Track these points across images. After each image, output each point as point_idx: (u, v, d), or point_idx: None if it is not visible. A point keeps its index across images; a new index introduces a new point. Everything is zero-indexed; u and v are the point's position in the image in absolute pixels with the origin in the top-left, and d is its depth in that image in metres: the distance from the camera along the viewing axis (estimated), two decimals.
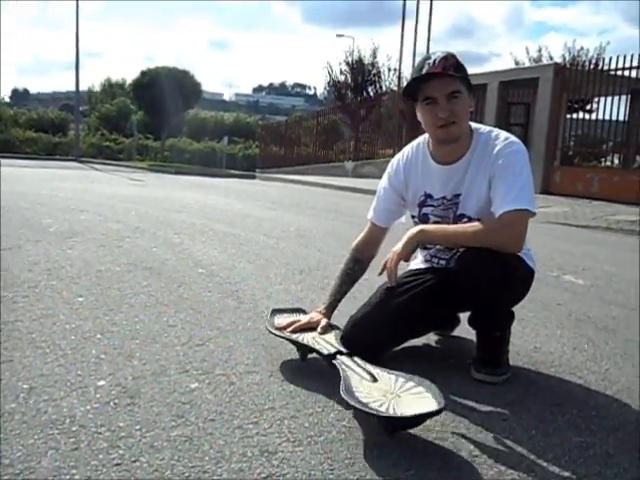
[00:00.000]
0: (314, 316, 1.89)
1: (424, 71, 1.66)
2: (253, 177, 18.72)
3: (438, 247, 1.91)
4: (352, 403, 1.38)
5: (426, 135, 1.86)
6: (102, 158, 25.88)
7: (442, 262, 1.93)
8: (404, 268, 1.98)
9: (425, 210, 1.88)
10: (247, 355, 1.91)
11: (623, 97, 10.86)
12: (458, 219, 1.79)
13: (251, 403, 1.56)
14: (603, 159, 12.70)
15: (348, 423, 1.48)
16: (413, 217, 1.94)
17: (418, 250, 2.04)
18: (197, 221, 5.22)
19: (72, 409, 1.46)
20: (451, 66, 1.65)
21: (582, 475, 1.30)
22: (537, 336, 2.30)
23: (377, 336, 1.79)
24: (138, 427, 1.39)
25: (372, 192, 8.64)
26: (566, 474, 1.30)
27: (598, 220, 7.67)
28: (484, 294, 1.68)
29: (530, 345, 2.18)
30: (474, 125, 1.80)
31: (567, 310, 2.77)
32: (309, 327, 1.85)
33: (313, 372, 1.79)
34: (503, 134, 1.76)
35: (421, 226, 1.77)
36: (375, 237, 1.97)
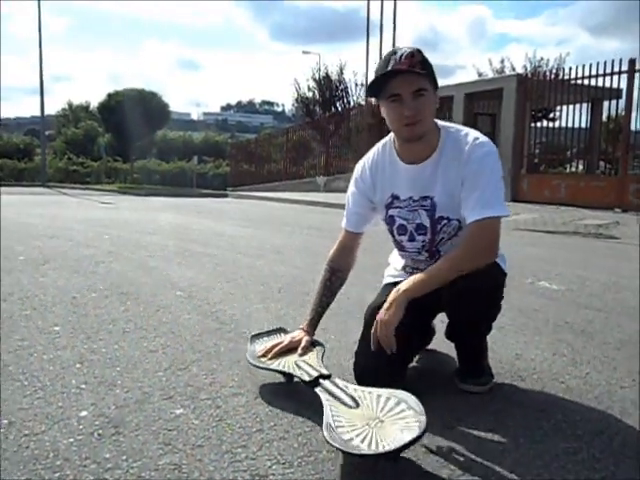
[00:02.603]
0: (295, 335, 1.87)
1: (390, 67, 1.61)
2: (225, 195, 18.63)
3: (417, 258, 1.87)
4: (335, 444, 1.31)
5: (392, 135, 1.82)
6: (70, 182, 25.52)
7: None
8: (378, 282, 1.98)
9: (391, 212, 1.84)
10: (231, 377, 1.89)
11: (584, 105, 11.16)
12: (437, 222, 1.77)
13: (238, 426, 1.55)
14: (568, 165, 13.00)
15: None
16: (382, 220, 1.91)
17: (394, 255, 2.03)
18: (171, 242, 5.17)
19: (55, 442, 1.42)
20: (417, 63, 1.61)
21: None
22: (517, 343, 2.33)
23: (387, 364, 1.68)
24: (124, 457, 1.37)
25: (344, 206, 8.61)
26: None
27: (566, 225, 7.82)
28: (472, 316, 1.72)
29: (511, 353, 2.20)
30: (441, 123, 1.77)
31: (544, 316, 2.81)
32: (290, 348, 1.83)
33: (299, 392, 1.77)
34: (472, 133, 1.73)
35: (402, 286, 1.63)
36: (349, 244, 1.93)
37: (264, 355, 1.84)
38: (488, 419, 1.62)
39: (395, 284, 1.92)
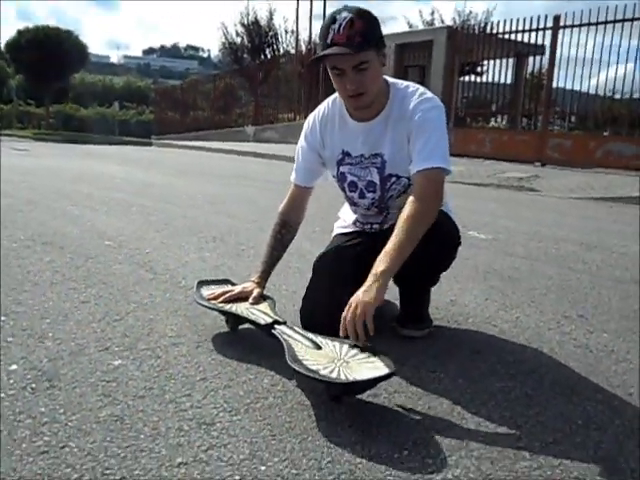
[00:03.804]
0: (247, 286, 1.83)
1: (329, 39, 1.54)
2: (149, 144, 18.00)
3: (366, 213, 1.87)
4: (301, 371, 1.34)
5: None
6: None
7: (375, 227, 1.88)
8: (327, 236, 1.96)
9: (342, 169, 1.82)
10: (170, 327, 1.84)
11: (510, 60, 11.40)
12: (386, 180, 1.76)
13: (181, 376, 1.51)
14: (492, 119, 13.35)
15: (283, 387, 1.47)
16: (333, 177, 1.89)
17: (345, 210, 2.02)
18: (96, 191, 4.94)
19: None
20: (357, 33, 1.51)
21: (508, 417, 1.38)
22: (451, 290, 2.40)
23: (337, 310, 1.57)
24: (62, 411, 1.31)
25: (275, 157, 8.67)
26: (495, 417, 1.37)
27: (491, 178, 8.09)
28: (428, 265, 1.74)
29: (446, 299, 2.27)
30: (390, 80, 1.74)
31: (474, 264, 2.91)
32: (241, 297, 1.79)
33: (242, 340, 1.76)
34: (420, 90, 1.71)
35: (379, 268, 1.47)
36: (299, 198, 1.90)
37: (214, 299, 1.79)
38: (429, 362, 1.67)
39: (345, 235, 1.92)
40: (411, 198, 1.58)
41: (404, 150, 1.70)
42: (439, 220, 1.62)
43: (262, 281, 1.85)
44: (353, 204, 1.91)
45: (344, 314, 1.44)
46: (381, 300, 1.44)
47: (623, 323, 2.11)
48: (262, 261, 1.87)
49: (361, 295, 1.44)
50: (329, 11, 1.77)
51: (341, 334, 1.44)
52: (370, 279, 1.46)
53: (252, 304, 1.76)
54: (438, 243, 1.67)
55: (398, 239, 1.51)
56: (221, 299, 1.78)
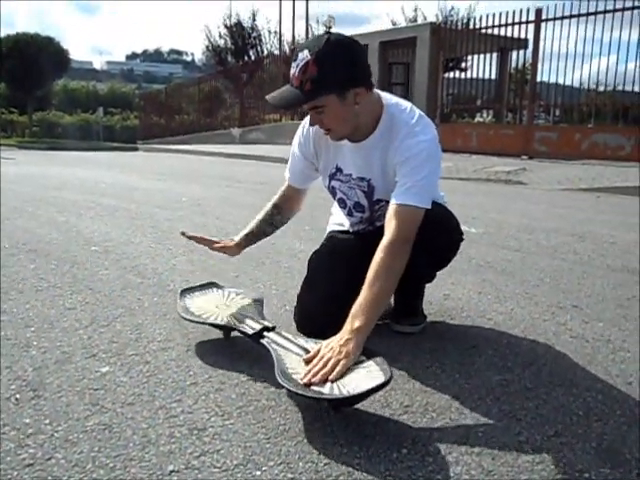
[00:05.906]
0: (227, 242, 1.84)
1: (290, 74, 1.48)
2: (135, 149, 17.89)
3: (358, 220, 1.82)
4: (292, 389, 1.27)
5: None
6: None
7: (365, 229, 1.84)
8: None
9: (334, 183, 1.77)
10: (159, 331, 1.80)
11: (494, 55, 11.41)
12: (375, 204, 1.73)
13: (171, 381, 1.47)
14: (478, 114, 13.37)
15: (276, 390, 1.42)
16: (325, 187, 1.84)
17: (336, 210, 1.97)
18: (81, 197, 4.88)
19: None
20: (308, 80, 1.42)
21: (508, 411, 1.34)
22: (444, 284, 2.37)
23: (335, 308, 1.54)
24: (47, 421, 1.26)
25: (262, 158, 8.61)
26: (494, 411, 1.34)
27: (478, 172, 8.09)
28: (429, 263, 1.73)
29: (439, 293, 2.24)
30: (386, 99, 1.62)
31: (467, 257, 2.88)
32: (220, 248, 1.82)
33: (232, 343, 1.71)
34: (415, 115, 1.59)
35: (355, 323, 1.37)
36: (294, 197, 1.87)
37: (195, 239, 1.82)
38: (424, 357, 1.64)
39: (340, 232, 1.88)
40: (383, 243, 1.48)
41: (390, 178, 1.62)
42: (442, 217, 1.60)
43: (242, 242, 1.84)
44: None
45: (315, 363, 1.33)
46: (356, 357, 1.33)
47: (618, 311, 2.09)
48: (249, 226, 1.86)
49: (336, 348, 1.34)
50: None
51: (303, 381, 1.28)
52: (346, 333, 1.36)
53: (220, 249, 1.82)
54: (440, 241, 1.64)
55: (373, 292, 1.41)
56: (202, 244, 1.82)
